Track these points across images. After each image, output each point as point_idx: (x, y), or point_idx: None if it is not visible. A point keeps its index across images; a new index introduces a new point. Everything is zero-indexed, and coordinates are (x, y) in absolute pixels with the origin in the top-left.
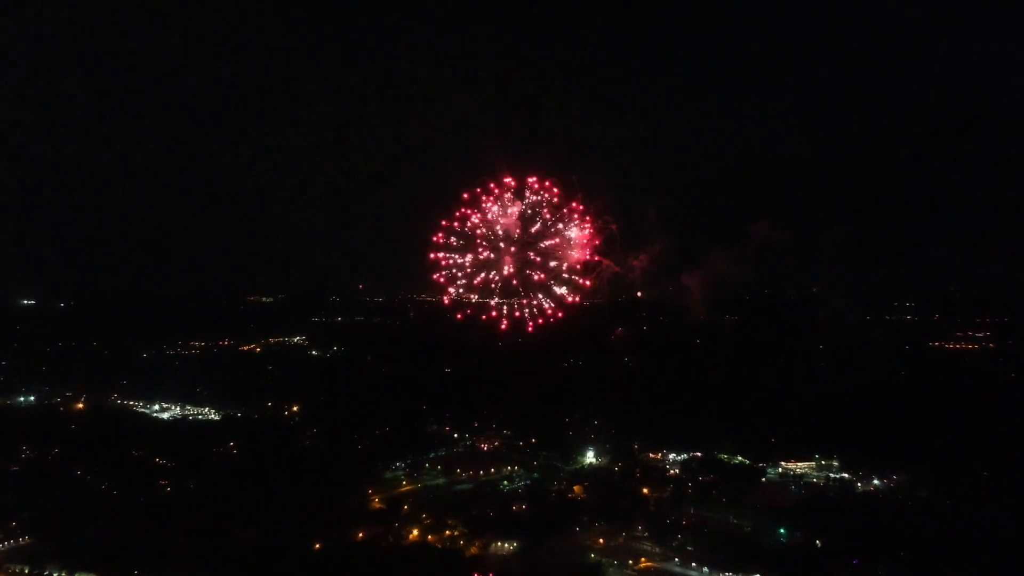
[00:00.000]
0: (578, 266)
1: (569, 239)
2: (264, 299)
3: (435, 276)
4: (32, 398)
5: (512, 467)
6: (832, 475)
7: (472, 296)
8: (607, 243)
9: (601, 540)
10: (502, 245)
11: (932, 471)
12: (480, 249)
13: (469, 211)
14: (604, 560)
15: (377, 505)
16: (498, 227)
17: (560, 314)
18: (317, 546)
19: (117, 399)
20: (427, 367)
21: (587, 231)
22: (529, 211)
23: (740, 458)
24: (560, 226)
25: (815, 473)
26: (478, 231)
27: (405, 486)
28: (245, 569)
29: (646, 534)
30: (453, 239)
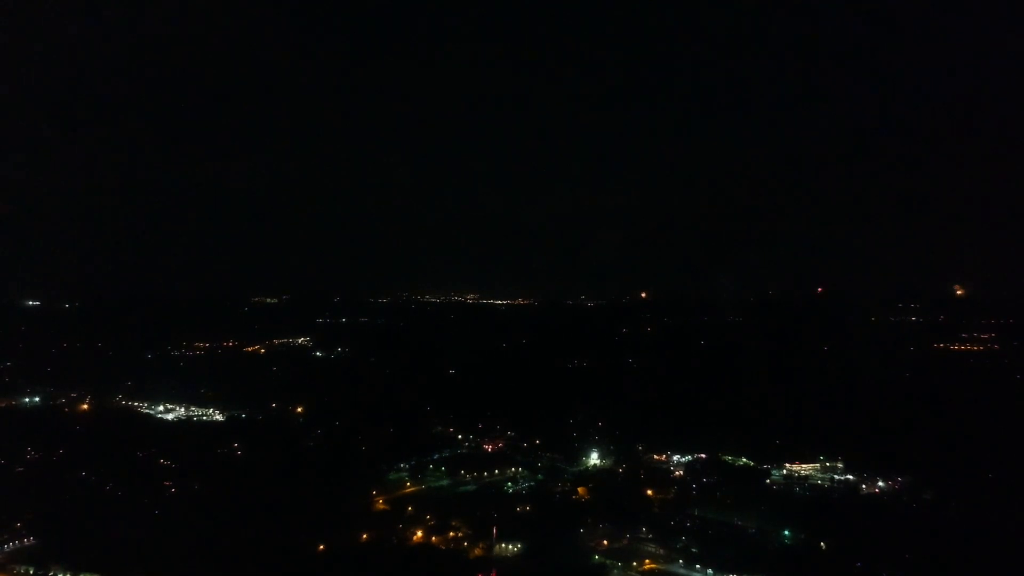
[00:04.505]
0: None
1: None
2: (268, 300)
3: None
4: (37, 399)
5: (516, 468)
6: (837, 477)
7: None
8: None
9: (605, 541)
10: None
11: (936, 473)
12: None
13: None
14: (608, 561)
15: (381, 506)
16: None
17: None
18: (321, 547)
19: (122, 400)
20: (431, 368)
21: None
22: None
23: (744, 460)
24: None
25: (819, 475)
26: None
27: (409, 487)
28: (249, 570)
29: (650, 535)
30: None
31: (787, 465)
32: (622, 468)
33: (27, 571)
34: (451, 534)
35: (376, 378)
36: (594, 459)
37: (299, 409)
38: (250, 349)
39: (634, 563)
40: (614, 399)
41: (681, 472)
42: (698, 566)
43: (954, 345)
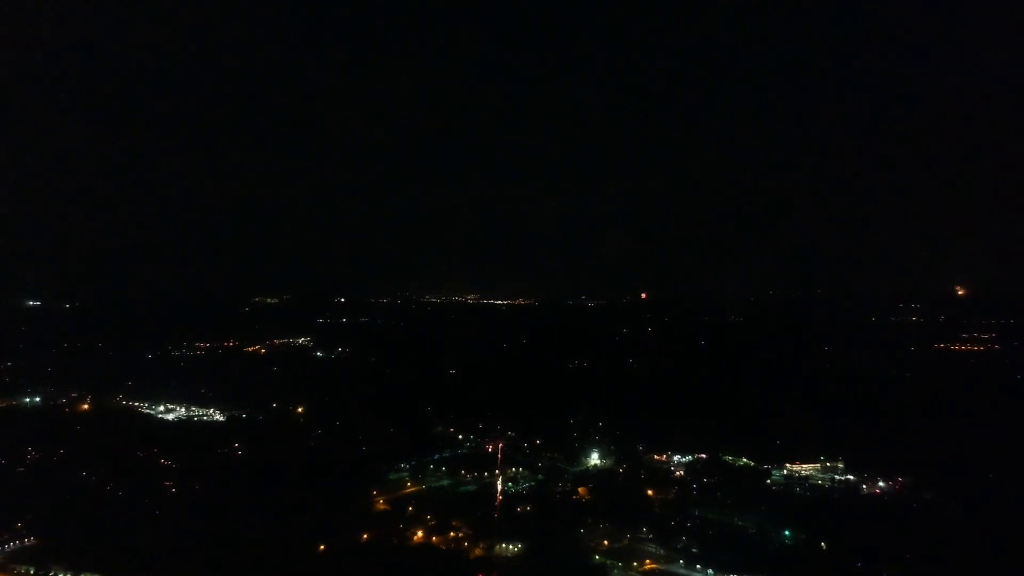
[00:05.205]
0: None
1: None
2: (269, 300)
3: None
4: (38, 399)
5: (516, 468)
6: (837, 477)
7: None
8: None
9: (606, 542)
10: None
11: (936, 473)
12: None
13: None
14: (609, 562)
15: (382, 506)
16: None
17: None
18: (322, 547)
19: (122, 400)
20: (431, 368)
21: None
22: None
23: (745, 460)
24: None
25: (820, 475)
26: None
27: (410, 487)
28: (250, 570)
29: (651, 535)
30: None
31: (787, 465)
32: (622, 468)
33: (27, 571)
34: (451, 534)
35: (376, 378)
36: (594, 459)
37: (300, 409)
38: (250, 349)
39: (634, 563)
40: (614, 399)
41: (681, 472)
42: (698, 566)
43: (954, 345)
